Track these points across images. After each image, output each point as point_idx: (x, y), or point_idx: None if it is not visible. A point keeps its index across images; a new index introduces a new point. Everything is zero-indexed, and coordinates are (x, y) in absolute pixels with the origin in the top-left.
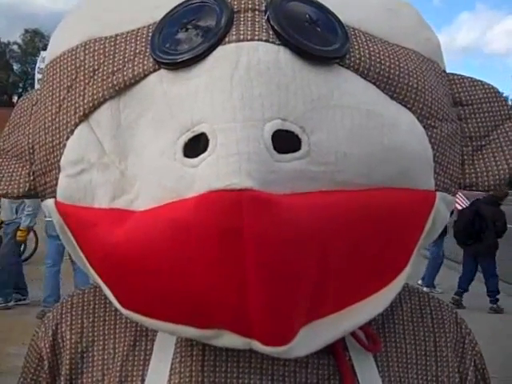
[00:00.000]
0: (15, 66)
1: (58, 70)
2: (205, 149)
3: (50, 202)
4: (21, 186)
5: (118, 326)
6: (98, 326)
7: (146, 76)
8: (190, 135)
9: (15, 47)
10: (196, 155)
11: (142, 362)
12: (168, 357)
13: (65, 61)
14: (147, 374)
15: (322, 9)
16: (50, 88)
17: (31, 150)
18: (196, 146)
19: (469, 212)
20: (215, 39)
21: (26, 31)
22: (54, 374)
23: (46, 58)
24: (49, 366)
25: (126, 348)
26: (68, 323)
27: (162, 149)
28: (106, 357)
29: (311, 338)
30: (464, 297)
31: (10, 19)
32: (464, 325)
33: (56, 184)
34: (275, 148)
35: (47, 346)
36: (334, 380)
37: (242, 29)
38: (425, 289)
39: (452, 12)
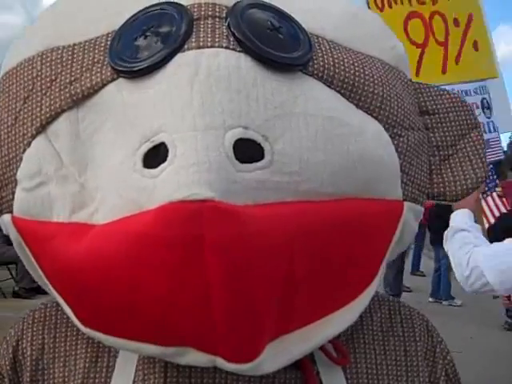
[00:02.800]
0: None
1: (14, 80)
2: (165, 159)
3: (6, 217)
4: None
5: (79, 342)
6: (60, 341)
7: (104, 85)
8: (149, 145)
9: None
10: (157, 165)
11: (103, 379)
12: (130, 374)
13: (21, 71)
14: None
15: (285, 16)
16: (6, 99)
17: None
18: (157, 155)
19: None
20: (174, 46)
21: None
22: None
23: (1, 68)
24: None
25: (87, 364)
26: (29, 339)
27: (122, 160)
28: (66, 374)
29: (279, 353)
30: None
31: None
32: (435, 333)
33: (13, 198)
34: (237, 157)
35: (7, 363)
36: None
37: (201, 36)
38: (444, 303)
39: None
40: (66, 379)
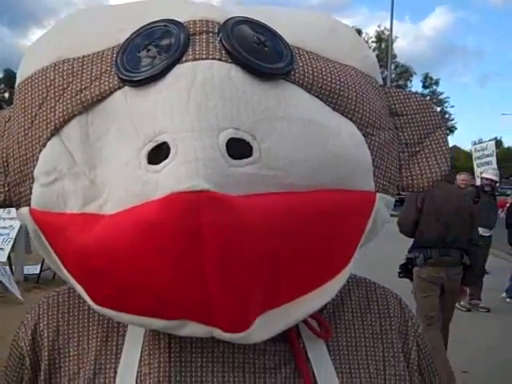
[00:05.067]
0: None
1: (29, 88)
2: (166, 156)
3: (24, 210)
4: None
5: (91, 324)
6: (73, 324)
7: (111, 93)
8: (152, 145)
9: None
10: (158, 162)
11: (114, 356)
12: (137, 350)
13: (36, 80)
14: (119, 365)
15: (270, 31)
16: (23, 105)
17: (5, 164)
18: (158, 154)
19: None
20: (173, 59)
21: None
22: (35, 370)
23: (17, 77)
24: (30, 363)
25: (98, 343)
26: (45, 323)
27: (128, 158)
28: (80, 352)
29: (266, 325)
30: None
31: None
32: (407, 309)
33: (30, 193)
34: (229, 154)
35: (27, 344)
36: (290, 365)
37: (197, 49)
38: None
39: None
40: (81, 357)
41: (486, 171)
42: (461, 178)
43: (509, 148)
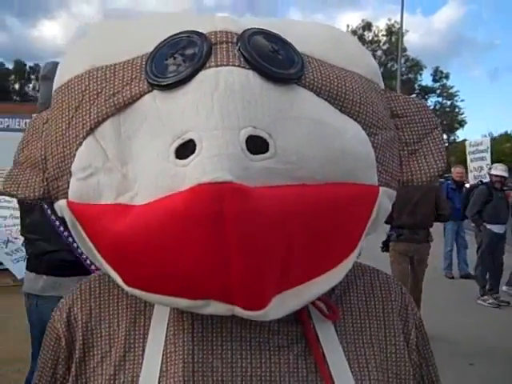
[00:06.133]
0: None
1: (66, 93)
2: (192, 152)
3: (62, 202)
4: (36, 190)
5: (120, 307)
6: (104, 307)
7: (141, 96)
8: (180, 141)
9: None
10: (185, 158)
11: (142, 336)
12: (163, 330)
13: (72, 86)
14: (147, 344)
15: (282, 41)
16: (60, 108)
17: (44, 161)
18: (185, 150)
19: None
20: (197, 65)
21: None
22: (70, 349)
23: (54, 83)
24: (66, 343)
25: (128, 324)
26: (79, 306)
27: (157, 154)
28: (111, 332)
29: (281, 305)
30: None
31: None
32: (408, 295)
33: (68, 187)
34: (248, 150)
35: (63, 326)
36: (301, 343)
37: (219, 57)
38: None
39: None
40: (112, 337)
41: (495, 168)
42: (456, 170)
43: None
